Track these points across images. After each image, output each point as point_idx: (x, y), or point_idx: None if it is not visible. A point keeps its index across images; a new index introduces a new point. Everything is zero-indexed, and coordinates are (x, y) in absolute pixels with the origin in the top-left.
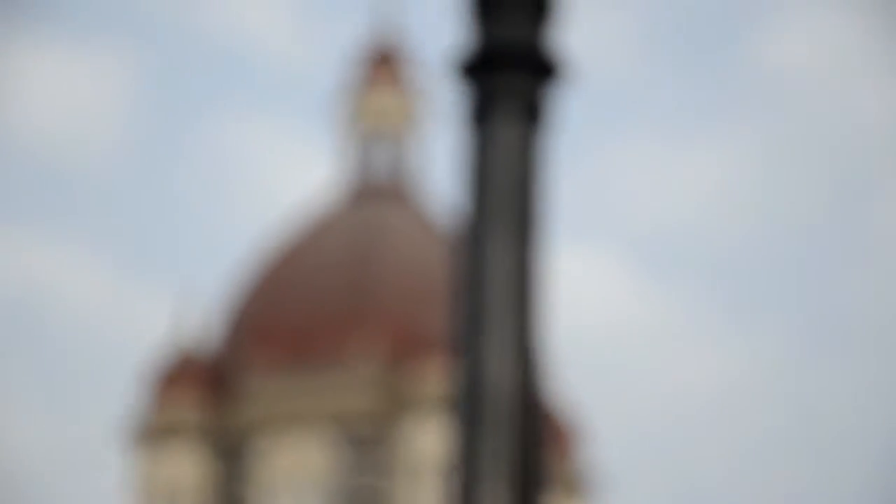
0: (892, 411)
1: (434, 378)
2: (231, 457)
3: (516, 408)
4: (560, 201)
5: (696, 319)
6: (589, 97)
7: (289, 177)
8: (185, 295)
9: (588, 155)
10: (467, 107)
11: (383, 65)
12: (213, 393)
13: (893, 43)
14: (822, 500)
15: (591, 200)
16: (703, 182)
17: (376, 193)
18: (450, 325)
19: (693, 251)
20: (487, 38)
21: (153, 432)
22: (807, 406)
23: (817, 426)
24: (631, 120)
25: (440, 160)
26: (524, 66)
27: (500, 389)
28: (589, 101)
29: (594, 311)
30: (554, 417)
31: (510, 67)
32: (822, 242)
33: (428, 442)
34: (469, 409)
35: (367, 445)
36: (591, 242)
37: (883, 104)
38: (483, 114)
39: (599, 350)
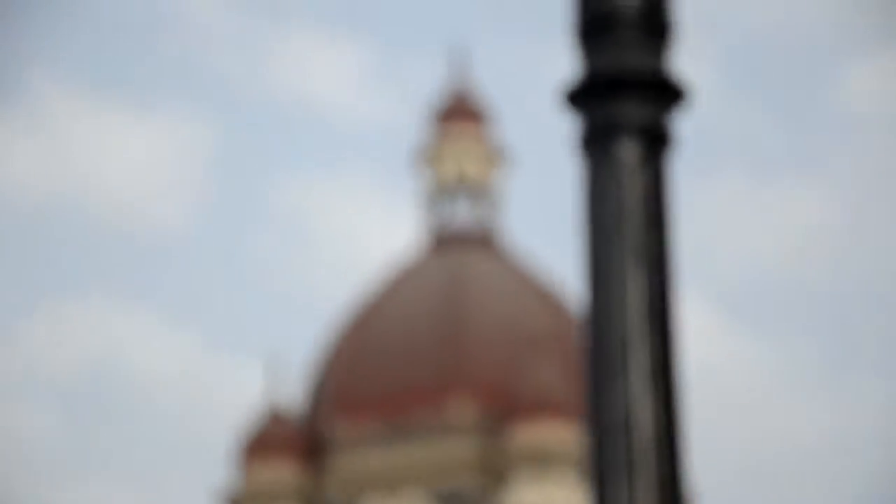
0: None
1: (532, 437)
2: None
3: (661, 447)
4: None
5: (794, 366)
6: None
7: (371, 234)
8: (273, 361)
9: (683, 193)
10: (587, 134)
11: (460, 116)
12: (305, 459)
13: None
14: None
15: (682, 240)
16: (796, 222)
17: (461, 245)
18: (583, 361)
19: (786, 294)
20: (604, 64)
21: (249, 500)
22: None
23: None
24: (722, 158)
25: (522, 209)
26: (646, 91)
27: (644, 428)
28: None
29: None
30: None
31: (631, 92)
32: None
33: (528, 498)
34: (612, 451)
35: None
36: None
37: None
38: (606, 140)
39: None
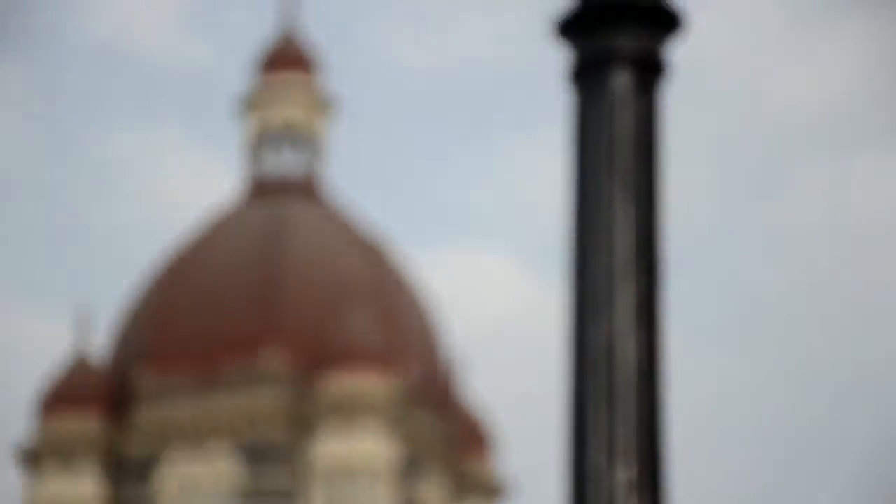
0: None
1: (341, 387)
2: (131, 474)
3: (643, 382)
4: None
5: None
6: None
7: (191, 183)
8: (81, 311)
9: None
10: (579, 65)
11: (287, 63)
12: (111, 411)
13: None
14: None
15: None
16: None
17: (282, 194)
18: (568, 291)
19: None
20: None
21: (53, 453)
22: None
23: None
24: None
25: (347, 159)
26: (639, 21)
27: (627, 358)
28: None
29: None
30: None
31: (624, 22)
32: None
33: (336, 449)
34: (595, 380)
35: (273, 457)
36: None
37: None
38: (598, 71)
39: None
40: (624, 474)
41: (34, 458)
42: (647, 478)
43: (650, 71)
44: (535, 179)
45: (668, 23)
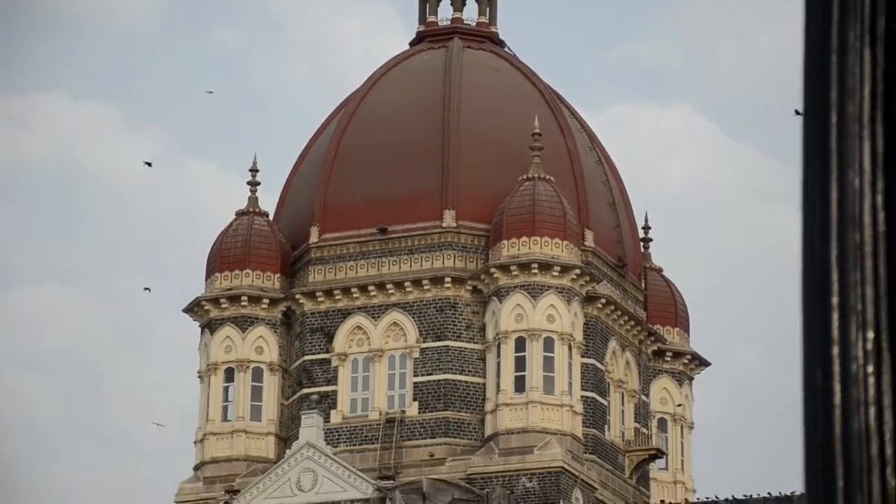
0: None
1: (525, 250)
2: (306, 330)
3: (888, 234)
4: None
5: None
6: None
7: (355, 36)
8: (250, 166)
9: None
10: None
11: None
12: (280, 268)
13: None
14: None
15: None
16: None
17: (454, 39)
18: (804, 146)
19: None
20: None
21: (230, 307)
22: None
23: None
24: None
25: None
26: None
27: (872, 215)
28: None
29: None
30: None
31: None
32: None
33: (518, 312)
34: (839, 239)
35: (451, 318)
36: None
37: None
38: None
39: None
40: (865, 339)
41: (211, 314)
42: (890, 343)
43: None
44: (715, 34)
45: None
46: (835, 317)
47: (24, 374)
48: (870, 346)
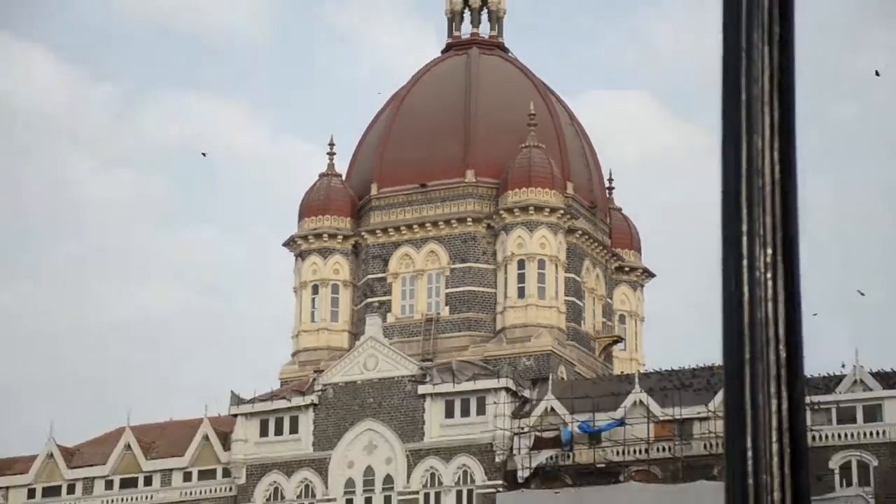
0: None
1: (525, 198)
2: (370, 260)
3: (780, 182)
4: None
5: None
6: None
7: (402, 45)
8: (330, 141)
9: None
10: None
11: None
12: (353, 215)
13: None
14: None
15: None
16: None
17: (473, 51)
18: (722, 118)
19: None
20: None
21: (314, 243)
22: None
23: None
24: None
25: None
26: None
27: (769, 169)
28: None
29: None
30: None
31: None
32: None
33: (520, 242)
34: (746, 185)
35: (473, 248)
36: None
37: None
38: None
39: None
40: (766, 254)
41: (302, 247)
42: (783, 258)
43: None
44: (669, 33)
45: None
46: (744, 239)
47: (185, 299)
48: (769, 259)
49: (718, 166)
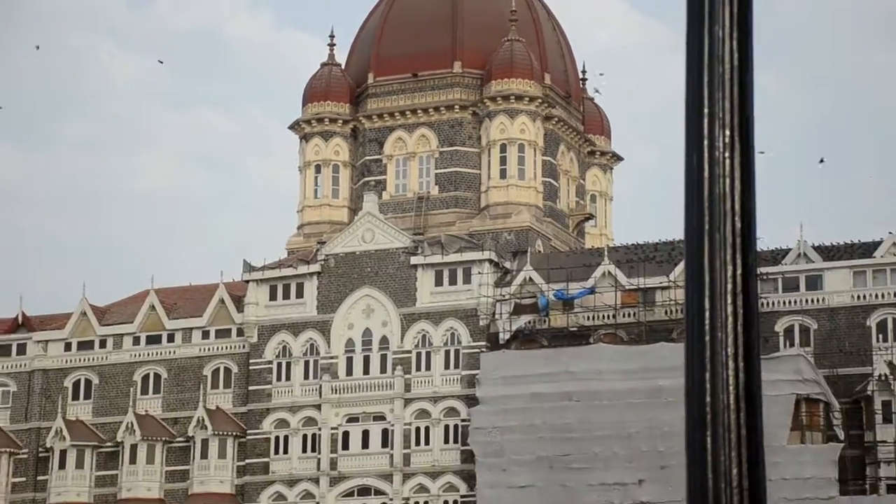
0: None
1: (508, 86)
2: (367, 143)
3: (738, 77)
4: None
5: None
6: None
7: None
8: (331, 33)
9: None
10: None
11: None
12: (352, 102)
13: None
14: None
15: None
16: None
17: None
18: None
19: None
20: None
21: (316, 127)
22: None
23: None
24: None
25: None
26: None
27: (728, 63)
28: None
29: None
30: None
31: None
32: None
33: (503, 128)
34: (707, 78)
35: (460, 133)
36: None
37: None
38: None
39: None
40: (724, 135)
41: (305, 130)
42: (740, 141)
43: None
44: None
45: None
46: (705, 121)
47: (195, 175)
48: (727, 139)
49: (684, 56)
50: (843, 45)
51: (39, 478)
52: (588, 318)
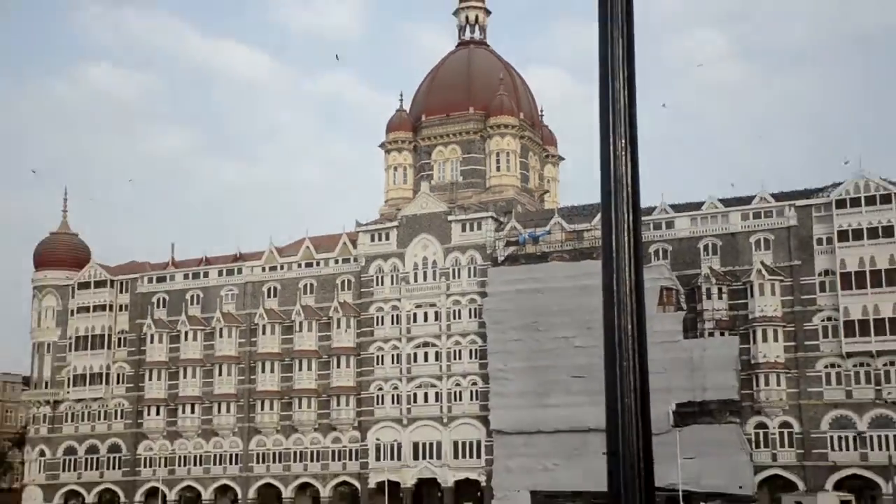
0: None
1: (498, 119)
2: (420, 154)
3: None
4: None
5: None
6: None
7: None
8: (399, 96)
9: None
10: None
11: None
12: (414, 129)
13: None
14: None
15: None
16: None
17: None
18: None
19: None
20: None
21: (393, 146)
22: None
23: None
24: None
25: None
26: None
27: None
28: None
29: None
30: None
31: None
32: None
33: (497, 143)
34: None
35: (473, 149)
36: None
37: None
38: None
39: None
40: (620, 144)
41: (388, 147)
42: (630, 145)
43: None
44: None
45: None
46: (611, 136)
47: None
48: (623, 144)
49: (598, 100)
50: None
51: (253, 339)
52: (547, 247)
